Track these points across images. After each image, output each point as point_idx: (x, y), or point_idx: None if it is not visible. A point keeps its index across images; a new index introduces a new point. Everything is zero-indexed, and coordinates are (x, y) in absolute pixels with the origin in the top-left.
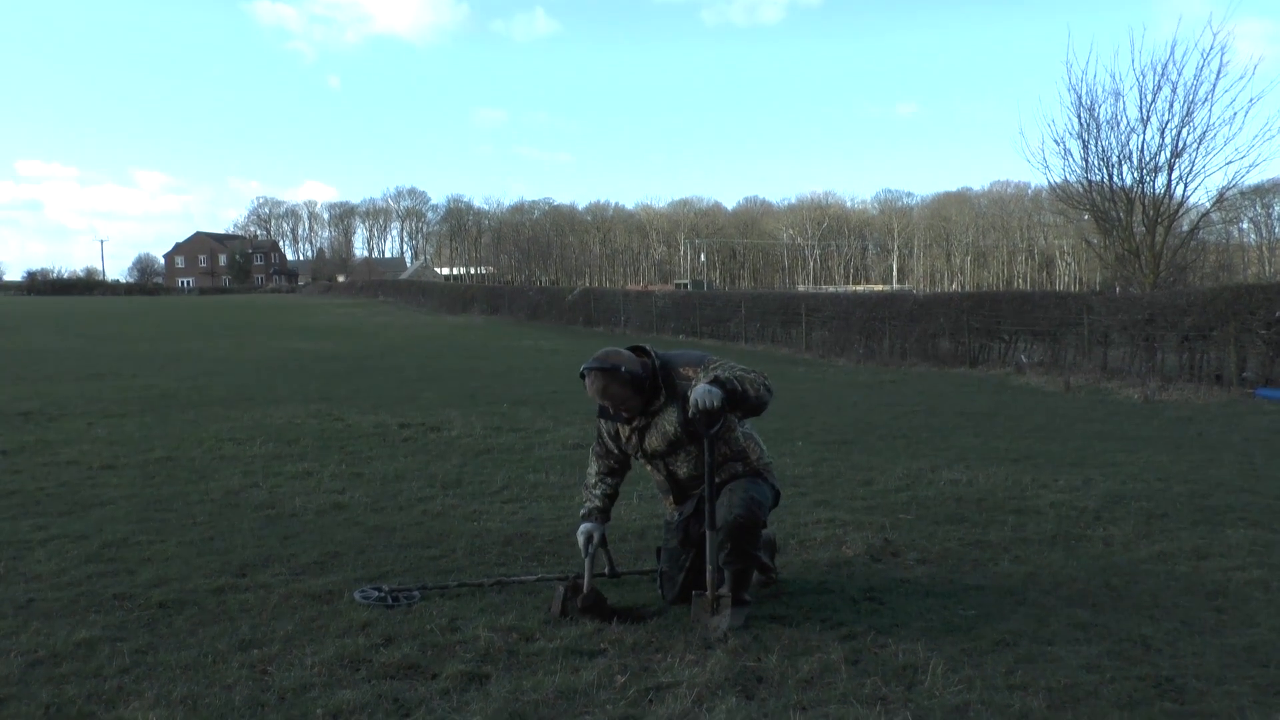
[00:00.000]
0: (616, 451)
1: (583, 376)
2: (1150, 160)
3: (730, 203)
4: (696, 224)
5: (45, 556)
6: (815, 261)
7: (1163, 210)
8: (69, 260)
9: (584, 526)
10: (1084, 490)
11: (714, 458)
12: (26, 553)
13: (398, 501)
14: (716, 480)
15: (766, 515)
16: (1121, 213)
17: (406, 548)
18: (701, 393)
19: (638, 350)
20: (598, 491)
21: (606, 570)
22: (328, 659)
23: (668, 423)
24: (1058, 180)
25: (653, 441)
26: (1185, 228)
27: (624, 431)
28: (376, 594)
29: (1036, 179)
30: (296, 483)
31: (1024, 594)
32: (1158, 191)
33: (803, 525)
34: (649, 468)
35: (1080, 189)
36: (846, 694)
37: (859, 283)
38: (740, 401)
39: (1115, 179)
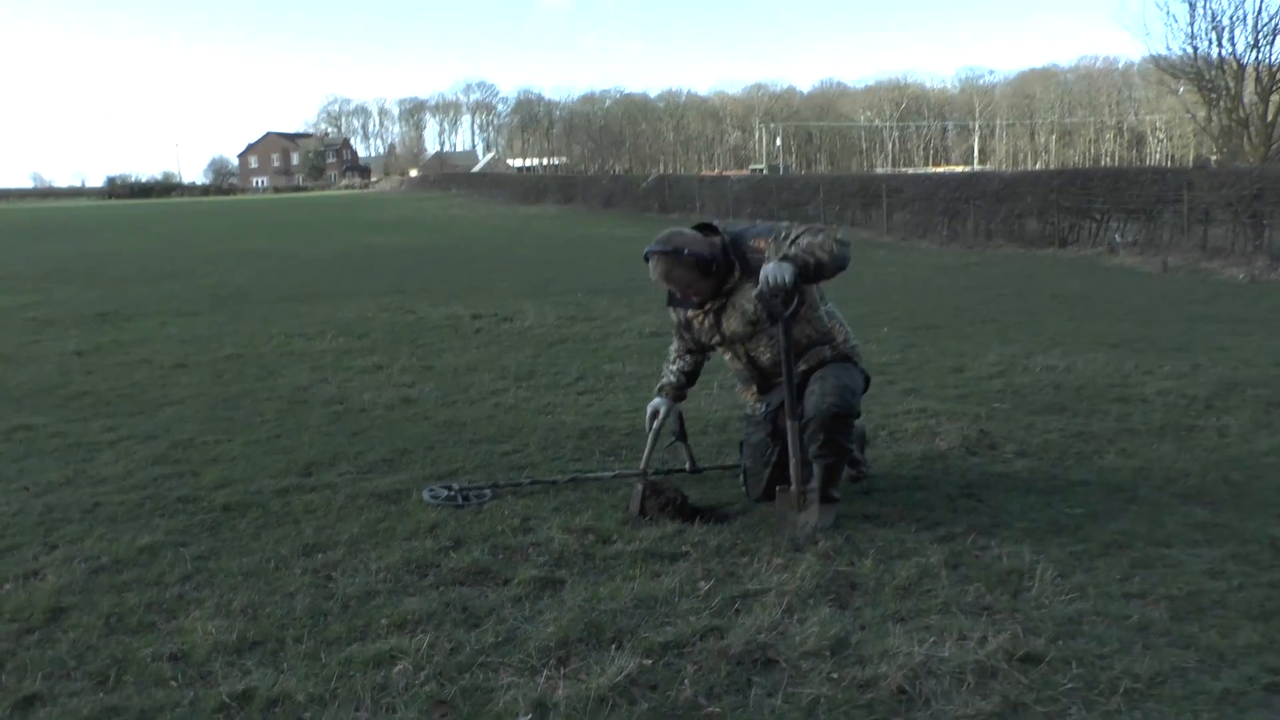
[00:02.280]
0: (690, 339)
1: (647, 260)
2: (1267, 24)
3: (805, 86)
4: (771, 108)
5: (113, 458)
6: (894, 144)
7: (1279, 78)
8: (146, 165)
9: (653, 401)
10: (1192, 377)
11: (791, 341)
12: (95, 455)
13: (469, 395)
14: (803, 367)
15: (859, 403)
16: (1231, 81)
17: (477, 443)
18: (772, 270)
19: (706, 228)
20: (674, 367)
21: (686, 466)
22: (393, 564)
23: (745, 300)
24: (1159, 49)
25: (731, 324)
26: None
27: (697, 318)
28: (446, 493)
29: (1127, 53)
30: (365, 378)
31: (1134, 490)
32: (1274, 59)
33: (893, 416)
34: (728, 355)
35: (1185, 57)
36: (948, 603)
37: (938, 164)
38: (816, 273)
39: (1225, 45)
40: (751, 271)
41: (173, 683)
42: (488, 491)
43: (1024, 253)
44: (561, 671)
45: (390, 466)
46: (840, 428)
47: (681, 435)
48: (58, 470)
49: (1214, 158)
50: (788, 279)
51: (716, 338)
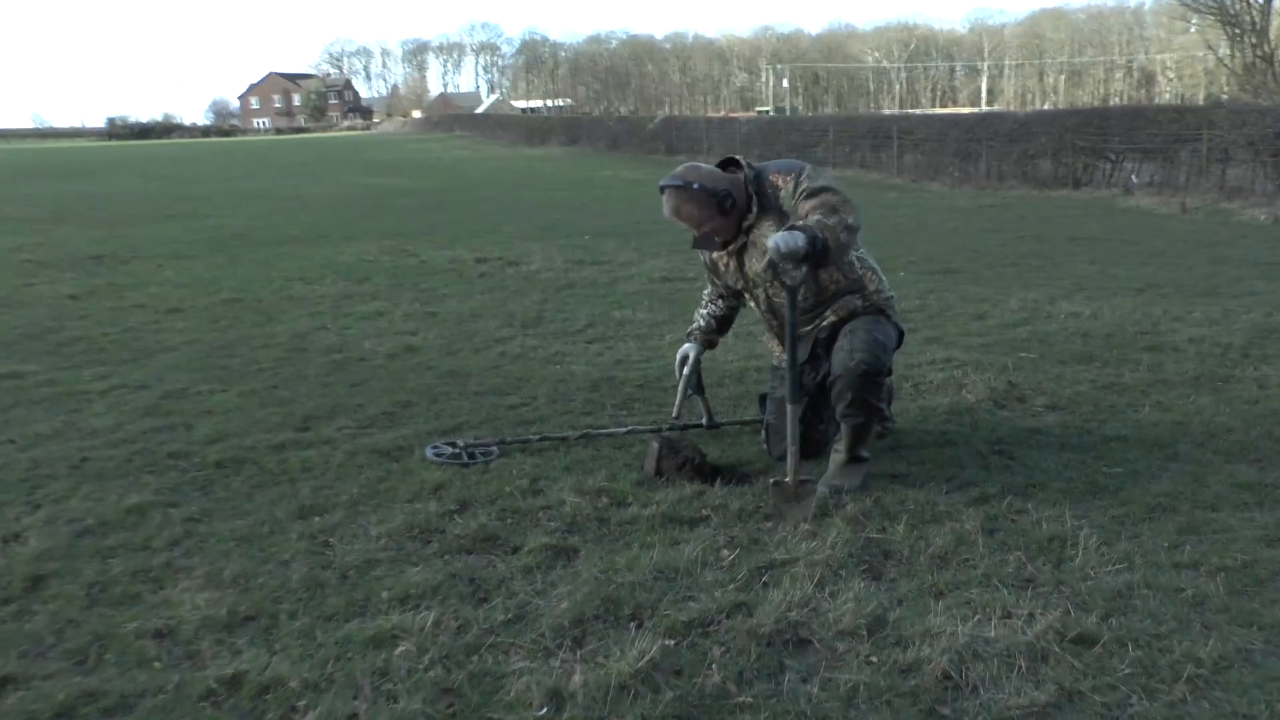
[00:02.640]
0: (720, 285)
1: (662, 193)
2: None
3: (814, 28)
4: (779, 50)
5: (104, 409)
6: (901, 85)
7: None
8: (146, 106)
9: (683, 347)
10: (1224, 324)
11: (796, 316)
12: (86, 405)
13: (473, 343)
14: (832, 318)
15: (891, 360)
16: (1256, 16)
17: (482, 395)
18: (783, 238)
19: (730, 163)
20: (705, 311)
21: (704, 420)
22: (395, 529)
23: (765, 237)
24: None
25: (754, 264)
26: None
27: (722, 259)
28: (450, 450)
29: None
30: (366, 324)
31: (1174, 447)
32: None
33: (916, 367)
34: (752, 303)
35: None
36: (989, 574)
37: (945, 105)
38: (821, 254)
39: None
40: (770, 208)
41: (157, 664)
42: (494, 448)
43: (1038, 194)
44: (578, 654)
45: (391, 420)
46: (870, 386)
47: (698, 388)
48: (46, 421)
49: (1224, 95)
50: (801, 244)
51: (741, 281)
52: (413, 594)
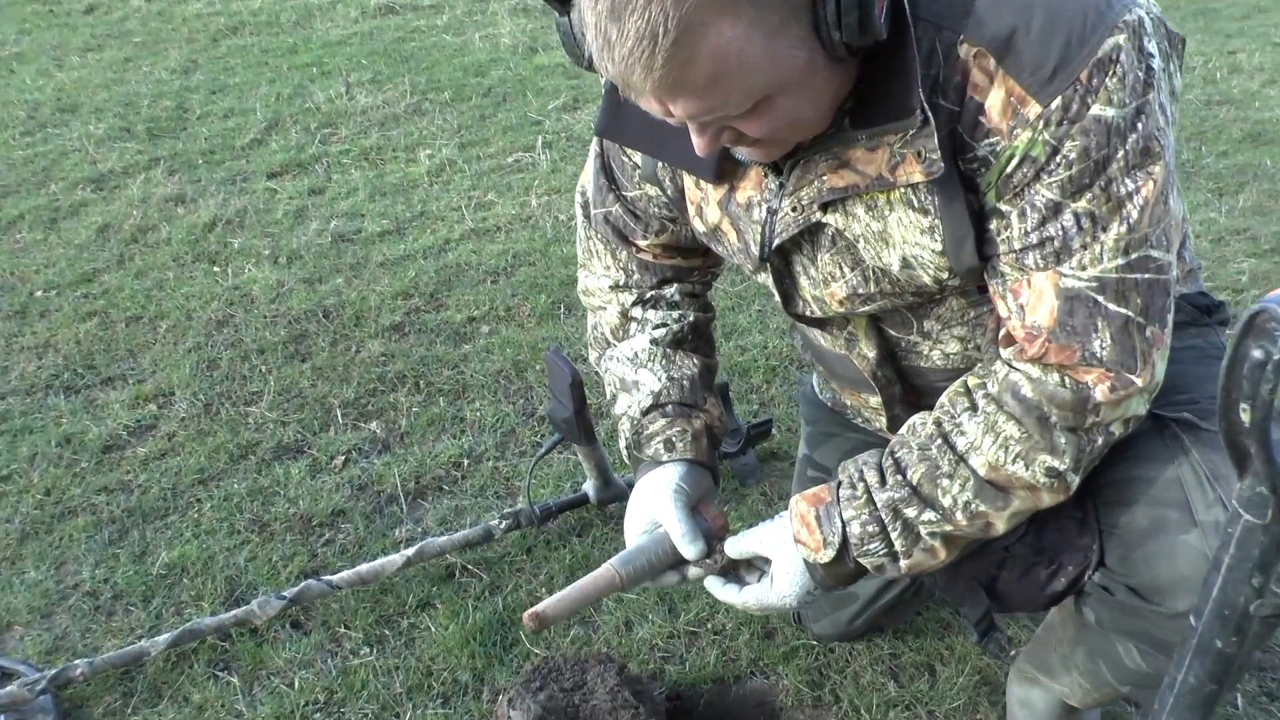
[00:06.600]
0: (664, 226)
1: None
2: None
3: None
4: None
5: None
6: None
7: None
8: None
9: (645, 485)
10: None
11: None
12: None
13: (46, 198)
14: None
15: None
16: None
17: (35, 416)
18: (787, 597)
19: None
20: (642, 346)
21: (587, 488)
22: None
23: (908, 217)
24: None
25: (874, 266)
26: None
27: (704, 207)
28: None
29: None
30: None
31: None
32: None
33: None
34: (816, 332)
35: None
36: None
37: None
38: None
39: None
40: (949, 116)
41: None
42: (42, 700)
43: None
44: None
45: None
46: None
47: (577, 424)
48: None
49: None
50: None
51: (779, 296)
52: None
